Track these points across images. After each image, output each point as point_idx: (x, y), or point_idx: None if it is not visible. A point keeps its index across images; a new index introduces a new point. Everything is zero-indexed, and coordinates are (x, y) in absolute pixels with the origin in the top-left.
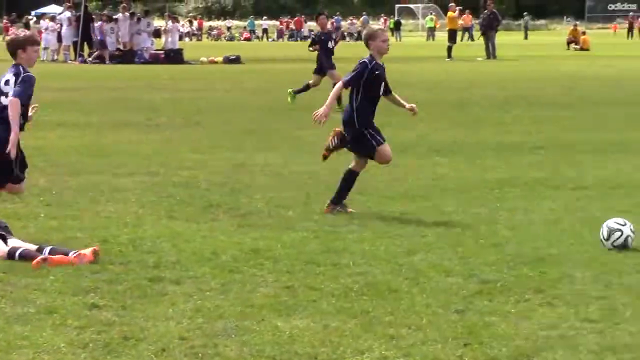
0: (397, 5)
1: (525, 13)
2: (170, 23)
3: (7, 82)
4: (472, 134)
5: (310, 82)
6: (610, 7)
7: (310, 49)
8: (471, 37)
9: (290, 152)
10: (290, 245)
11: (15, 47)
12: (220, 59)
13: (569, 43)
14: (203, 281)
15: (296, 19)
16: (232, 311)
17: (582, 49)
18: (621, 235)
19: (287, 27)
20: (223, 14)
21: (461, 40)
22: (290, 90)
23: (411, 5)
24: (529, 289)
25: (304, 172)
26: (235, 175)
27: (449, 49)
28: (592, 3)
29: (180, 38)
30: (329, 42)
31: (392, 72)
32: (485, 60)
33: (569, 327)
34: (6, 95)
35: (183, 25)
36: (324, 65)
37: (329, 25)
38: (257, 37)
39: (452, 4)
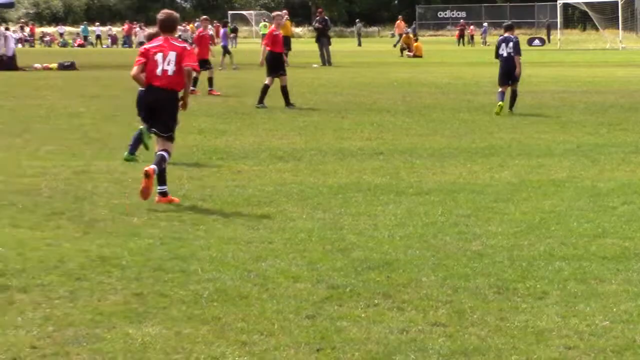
0: (230, 12)
1: (357, 20)
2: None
3: None
4: (312, 140)
5: None
6: (440, 14)
7: None
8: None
9: None
10: (137, 252)
11: None
12: (54, 65)
13: (402, 50)
14: (51, 289)
15: (126, 25)
16: (82, 319)
17: (415, 55)
18: None
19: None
20: (54, 19)
21: None
22: None
23: (244, 12)
24: (377, 293)
25: None
26: (78, 182)
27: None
28: (422, 10)
29: None
30: None
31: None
32: (321, 67)
33: (419, 331)
34: None
35: (15, 32)
36: None
37: None
38: (91, 44)
39: (285, 11)
